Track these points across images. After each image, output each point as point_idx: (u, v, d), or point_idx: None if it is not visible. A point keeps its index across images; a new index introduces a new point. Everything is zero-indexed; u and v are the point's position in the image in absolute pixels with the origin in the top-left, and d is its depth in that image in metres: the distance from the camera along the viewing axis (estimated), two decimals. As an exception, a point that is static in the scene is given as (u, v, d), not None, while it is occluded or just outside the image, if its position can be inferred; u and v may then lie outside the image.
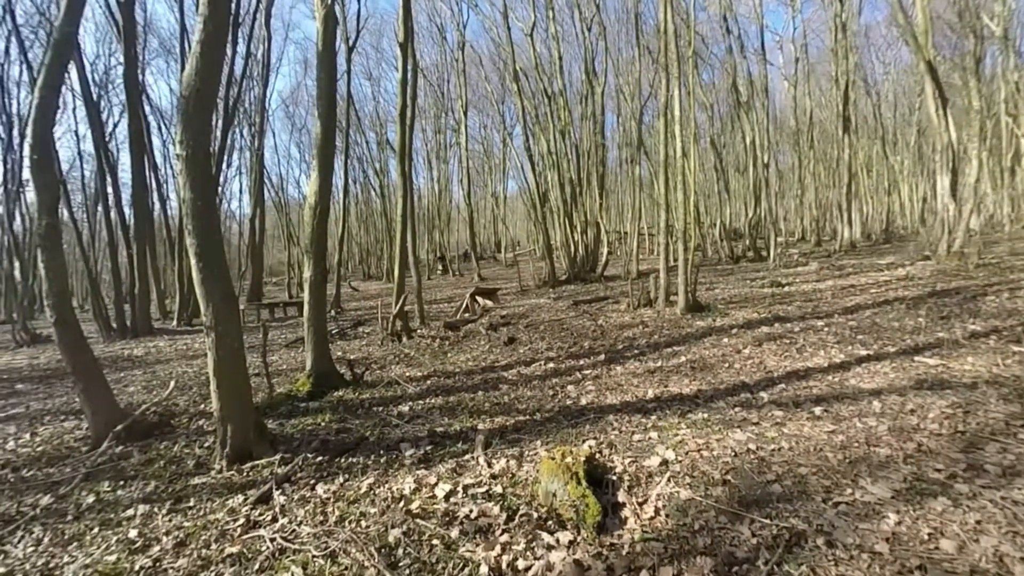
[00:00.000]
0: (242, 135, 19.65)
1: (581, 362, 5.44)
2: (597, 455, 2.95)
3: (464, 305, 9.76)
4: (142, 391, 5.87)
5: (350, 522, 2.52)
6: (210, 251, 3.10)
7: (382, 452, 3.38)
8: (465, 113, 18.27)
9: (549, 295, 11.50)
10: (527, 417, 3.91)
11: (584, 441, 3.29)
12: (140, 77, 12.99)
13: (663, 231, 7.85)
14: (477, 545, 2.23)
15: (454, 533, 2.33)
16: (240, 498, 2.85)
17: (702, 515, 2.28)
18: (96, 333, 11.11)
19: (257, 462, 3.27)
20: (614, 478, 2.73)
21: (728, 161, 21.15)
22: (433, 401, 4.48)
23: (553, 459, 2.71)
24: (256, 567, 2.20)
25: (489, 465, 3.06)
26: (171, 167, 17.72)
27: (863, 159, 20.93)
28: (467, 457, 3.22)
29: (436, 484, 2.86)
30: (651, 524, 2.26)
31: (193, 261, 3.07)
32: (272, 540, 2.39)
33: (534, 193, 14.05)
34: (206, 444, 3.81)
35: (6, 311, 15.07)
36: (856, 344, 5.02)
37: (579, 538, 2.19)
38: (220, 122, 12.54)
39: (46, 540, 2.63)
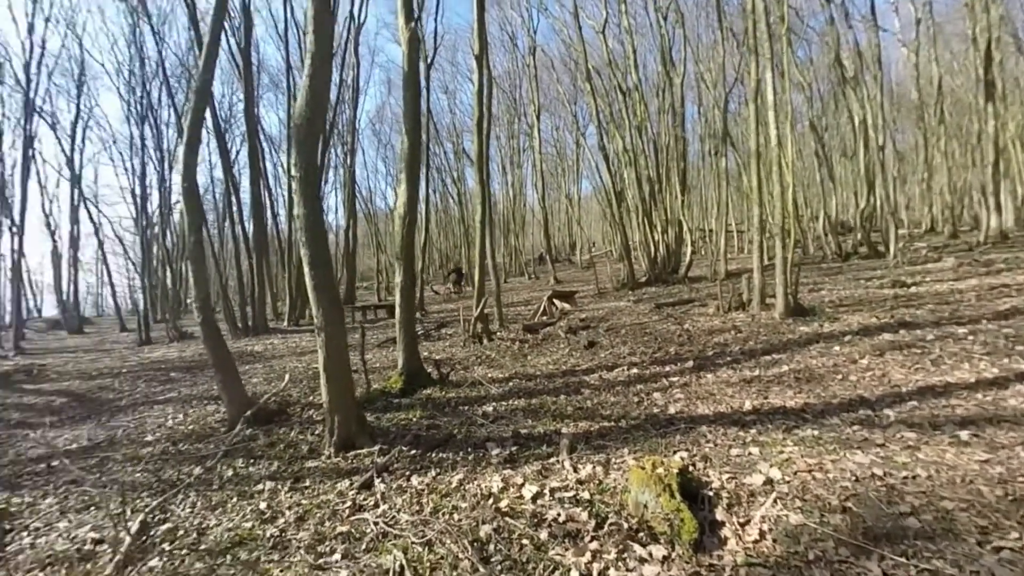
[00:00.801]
0: (336, 154, 21.76)
1: (667, 368, 5.20)
2: (690, 468, 2.80)
3: (541, 308, 9.81)
4: (263, 382, 6.72)
5: (443, 514, 2.66)
6: (320, 260, 3.48)
7: (470, 450, 3.51)
8: (538, 117, 18.39)
9: (628, 298, 11.13)
10: (612, 423, 3.82)
11: (675, 452, 3.14)
12: (255, 110, 14.98)
13: (756, 227, 7.22)
14: (567, 549, 2.24)
15: (543, 535, 2.35)
16: (347, 483, 3.15)
17: (817, 544, 2.05)
18: (226, 332, 12.99)
19: (359, 451, 3.58)
20: (710, 494, 2.56)
21: (832, 146, 18.79)
22: (516, 403, 4.56)
23: (643, 469, 2.62)
24: (363, 547, 2.42)
25: (575, 470, 3.04)
26: (279, 187, 20.11)
27: (1015, 130, 17.33)
28: (552, 460, 3.23)
29: (523, 485, 2.91)
30: (756, 548, 2.09)
31: (306, 269, 3.47)
32: (375, 524, 2.60)
33: (610, 192, 13.71)
34: (316, 432, 4.26)
35: (161, 312, 18.16)
36: (1015, 356, 4.18)
37: (674, 554, 2.09)
38: (319, 145, 14.00)
39: (199, 504, 3.13)
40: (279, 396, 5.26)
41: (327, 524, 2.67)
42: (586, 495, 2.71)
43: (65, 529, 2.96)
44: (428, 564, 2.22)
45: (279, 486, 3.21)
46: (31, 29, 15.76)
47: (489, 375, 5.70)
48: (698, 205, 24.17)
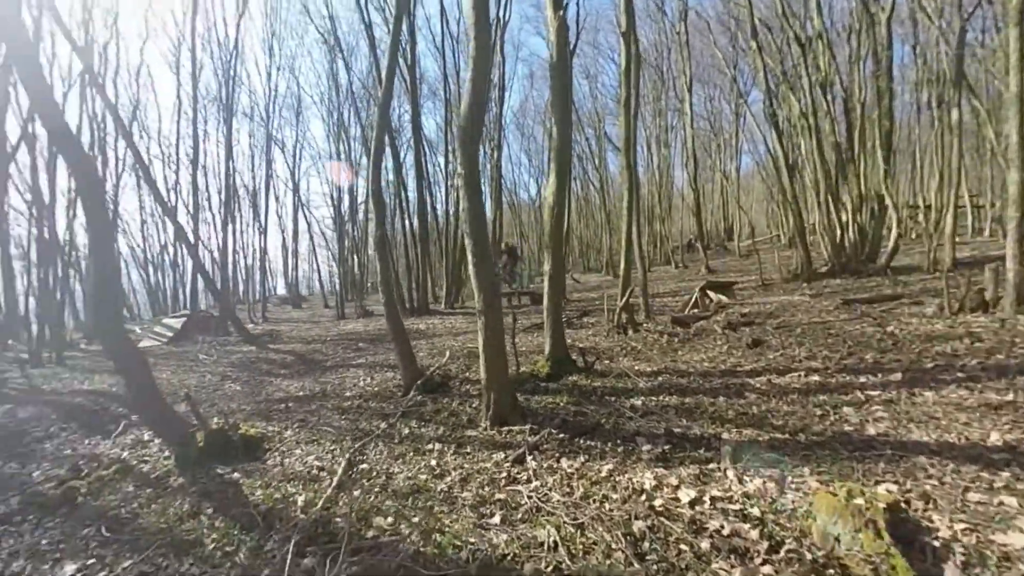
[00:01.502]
0: (484, 150, 23.35)
1: (862, 379, 4.27)
2: (902, 505, 2.26)
3: (693, 300, 9.02)
4: (426, 356, 7.70)
5: (594, 501, 2.67)
6: (482, 249, 3.78)
7: (618, 442, 3.45)
8: (689, 89, 16.66)
9: (803, 291, 9.43)
10: (786, 436, 3.32)
11: (877, 482, 2.57)
12: (420, 120, 16.97)
13: (1015, 199, 5.34)
14: (733, 567, 2.03)
15: (704, 544, 2.18)
16: (502, 455, 3.40)
17: None
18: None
19: (512, 428, 3.83)
20: (935, 543, 2.03)
21: None
22: (666, 399, 4.31)
23: (835, 495, 2.22)
24: (519, 516, 2.59)
25: (740, 481, 2.74)
26: (436, 185, 22.46)
27: None
28: (711, 466, 2.97)
29: (678, 487, 2.75)
30: (1018, 627, 1.58)
31: (469, 259, 3.81)
32: (529, 497, 2.76)
33: (780, 166, 11.72)
34: (473, 405, 4.71)
35: (350, 293, 22.23)
36: None
37: (882, 605, 1.72)
38: (480, 146, 15.24)
39: (385, 453, 3.76)
40: (442, 369, 5.96)
41: (486, 489, 2.94)
42: (755, 512, 2.41)
43: (299, 456, 3.88)
44: (581, 546, 2.26)
45: (445, 448, 3.65)
46: (269, 77, 20.72)
47: (636, 367, 5.50)
48: (905, 175, 19.05)
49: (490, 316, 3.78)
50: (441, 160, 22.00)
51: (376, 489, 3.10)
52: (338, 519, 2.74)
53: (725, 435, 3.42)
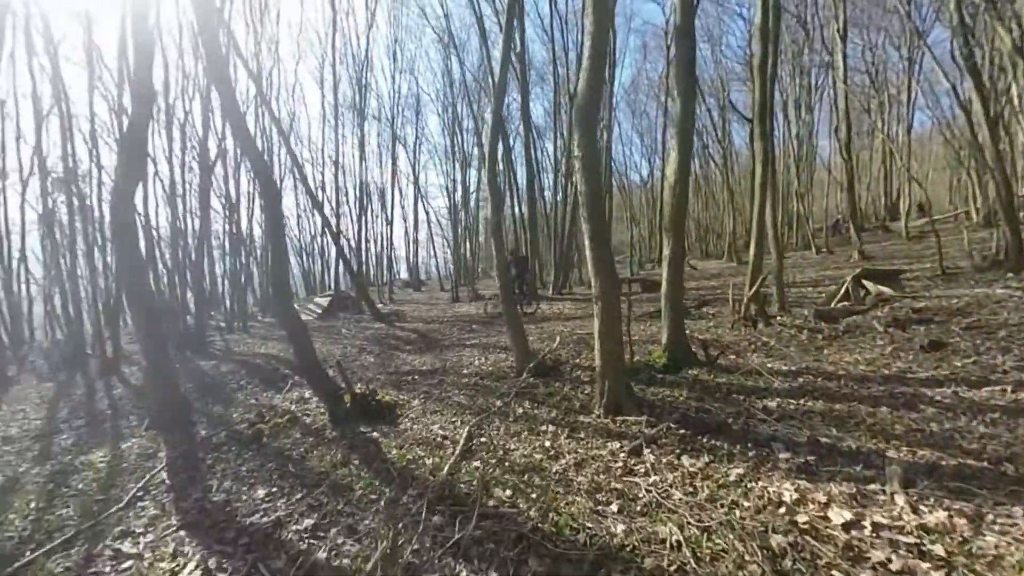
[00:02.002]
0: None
1: (1108, 401, 3.21)
2: None
3: (843, 291, 7.67)
4: (536, 341, 7.84)
5: (722, 505, 2.46)
6: (601, 234, 3.68)
7: (749, 445, 3.12)
8: (843, 37, 13.84)
9: (1008, 282, 7.39)
10: (983, 464, 2.65)
11: None
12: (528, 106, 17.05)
13: None
14: (903, 609, 1.71)
15: (865, 576, 1.86)
16: (616, 444, 3.33)
17: None
18: (507, 295, 15.83)
19: (627, 417, 3.72)
20: None
21: None
22: (810, 404, 3.76)
23: (1067, 545, 1.71)
24: (637, 508, 2.51)
25: (914, 510, 2.27)
26: (543, 171, 22.46)
27: None
28: (872, 487, 2.51)
29: (827, 505, 2.39)
30: None
31: (587, 243, 3.74)
32: (648, 491, 2.65)
33: (980, 121, 9.19)
34: (584, 391, 4.68)
35: (462, 277, 23.64)
36: None
37: None
38: (599, 126, 14.86)
39: (501, 430, 3.94)
40: (552, 354, 6.03)
41: (601, 476, 2.91)
42: (939, 551, 1.98)
43: (425, 424, 4.28)
44: (708, 550, 2.11)
45: (559, 431, 3.70)
46: (393, 80, 22.74)
47: (768, 365, 4.90)
48: None
49: (607, 302, 3.68)
50: (549, 146, 21.98)
51: (494, 462, 3.28)
52: (461, 484, 2.97)
53: (891, 453, 2.87)
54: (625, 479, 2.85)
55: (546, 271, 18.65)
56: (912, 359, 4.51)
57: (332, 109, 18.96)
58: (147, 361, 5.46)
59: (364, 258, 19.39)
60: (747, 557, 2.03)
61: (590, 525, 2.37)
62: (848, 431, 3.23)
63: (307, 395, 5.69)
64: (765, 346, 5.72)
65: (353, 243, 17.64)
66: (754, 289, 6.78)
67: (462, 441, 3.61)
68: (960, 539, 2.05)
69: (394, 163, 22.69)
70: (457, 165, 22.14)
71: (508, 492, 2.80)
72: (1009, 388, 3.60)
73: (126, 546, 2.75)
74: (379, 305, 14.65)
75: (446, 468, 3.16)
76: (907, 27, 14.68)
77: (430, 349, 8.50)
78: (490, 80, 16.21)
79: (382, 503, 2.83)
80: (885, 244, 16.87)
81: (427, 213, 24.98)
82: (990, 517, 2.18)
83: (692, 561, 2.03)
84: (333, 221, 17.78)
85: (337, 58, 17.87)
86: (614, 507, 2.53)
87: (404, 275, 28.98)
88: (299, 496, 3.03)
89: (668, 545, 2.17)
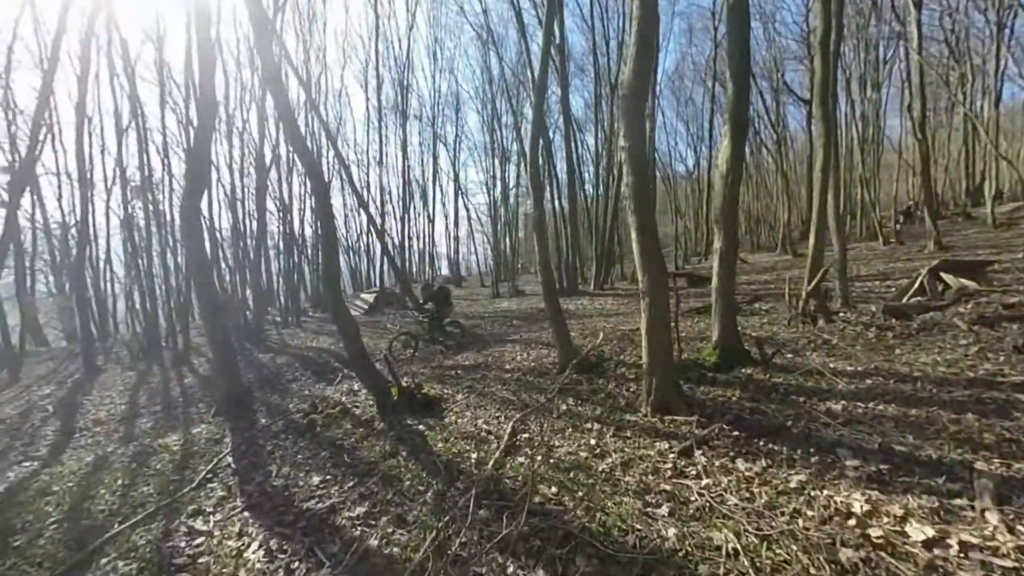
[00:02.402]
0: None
1: None
2: None
3: (917, 284, 7.00)
4: (578, 336, 7.73)
5: (782, 513, 2.32)
6: (648, 227, 3.56)
7: (811, 450, 2.92)
8: (918, 4, 12.53)
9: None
10: (1095, 479, 2.34)
11: None
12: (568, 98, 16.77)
13: None
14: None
15: (955, 602, 1.69)
16: (665, 444, 3.21)
17: None
18: (547, 290, 15.75)
19: (676, 417, 3.59)
20: None
21: None
22: (881, 408, 3.46)
23: None
24: (689, 512, 2.41)
25: (1010, 530, 2.03)
26: (583, 165, 22.05)
27: None
28: (958, 502, 2.28)
29: (903, 519, 2.19)
30: None
31: (634, 235, 3.62)
32: (700, 495, 2.54)
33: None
34: (630, 389, 4.56)
35: (503, 273, 23.76)
36: None
37: None
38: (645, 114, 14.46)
39: (545, 426, 3.91)
40: (596, 351, 5.93)
41: (650, 477, 2.82)
42: (1044, 576, 1.76)
43: (470, 418, 4.33)
44: (768, 561, 1.99)
45: (604, 429, 3.63)
46: (433, 80, 23.09)
47: (831, 365, 4.56)
48: None
49: (655, 297, 3.56)
50: (590, 139, 21.58)
51: (539, 458, 3.26)
52: (507, 480, 2.97)
53: (980, 465, 2.58)
54: (675, 481, 2.74)
55: (587, 266, 18.36)
56: (1003, 361, 4.05)
57: (376, 111, 19.60)
58: (213, 353, 5.89)
59: (407, 255, 19.93)
60: (812, 570, 1.90)
61: (639, 527, 2.31)
62: (927, 439, 2.94)
63: (356, 387, 5.93)
64: (826, 344, 5.34)
65: (397, 241, 18.16)
66: (814, 283, 6.34)
67: (506, 436, 3.62)
68: (1070, 565, 1.81)
69: (435, 161, 23.15)
70: (496, 161, 22.21)
71: (554, 489, 2.77)
72: None
73: (198, 523, 2.98)
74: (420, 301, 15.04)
75: (491, 463, 3.18)
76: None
77: (472, 344, 8.60)
78: (529, 74, 16.08)
79: (429, 495, 2.89)
80: (968, 233, 15.28)
81: (467, 210, 25.33)
82: (1108, 542, 1.91)
83: (751, 571, 1.92)
84: (377, 220, 18.40)
85: (380, 61, 18.43)
86: (664, 510, 2.44)
87: (445, 271, 29.57)
88: (351, 484, 3.16)
89: (724, 553, 2.07)
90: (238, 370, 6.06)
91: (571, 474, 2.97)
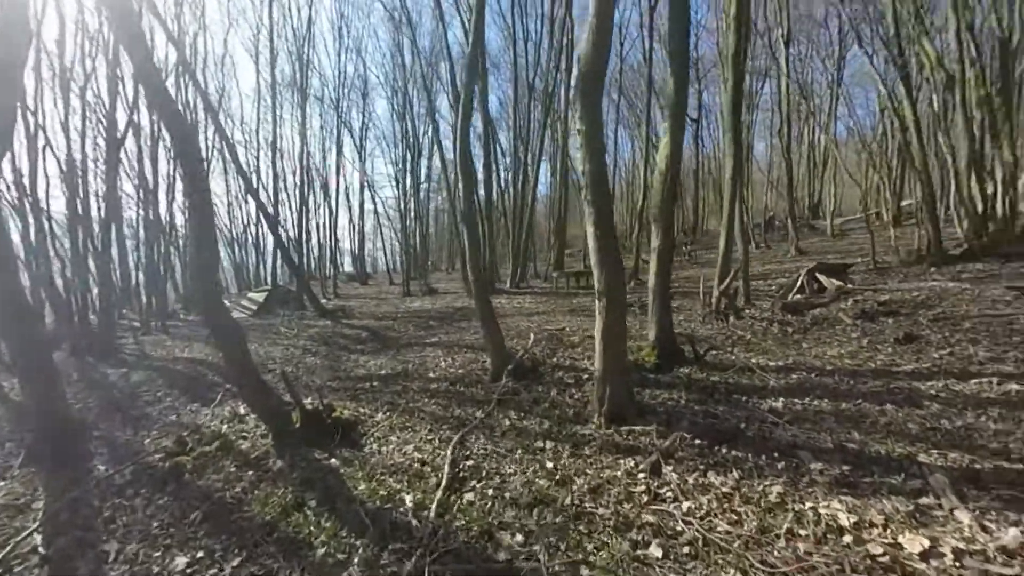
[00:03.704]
0: (548, 123, 22.34)
1: (1088, 390, 3.28)
2: None
3: (798, 284, 7.90)
4: (504, 339, 7.33)
5: (777, 537, 2.10)
6: (605, 220, 3.21)
7: (775, 455, 2.82)
8: (787, 43, 14.60)
9: (932, 275, 8.00)
10: (1016, 466, 2.52)
11: None
12: (487, 98, 16.31)
13: None
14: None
15: (983, 627, 1.55)
16: (631, 462, 2.89)
17: None
18: (459, 290, 15.12)
19: (632, 427, 3.31)
20: None
21: None
22: (816, 403, 3.57)
23: None
24: (684, 551, 2.07)
25: (984, 529, 2.04)
26: (497, 163, 21.77)
27: None
28: (925, 501, 2.28)
29: (885, 526, 2.11)
30: None
31: (590, 229, 3.25)
32: (687, 523, 2.24)
33: (908, 127, 9.91)
34: (573, 395, 4.23)
35: (413, 270, 22.52)
36: None
37: None
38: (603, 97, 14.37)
39: (489, 447, 3.37)
40: (529, 353, 5.54)
41: (625, 506, 2.45)
42: (1037, 579, 1.73)
43: (396, 444, 3.60)
44: (786, 605, 1.72)
45: (559, 447, 3.20)
46: (339, 59, 20.93)
47: (753, 360, 4.75)
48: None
49: (612, 298, 3.23)
50: (503, 137, 21.41)
51: (490, 493, 2.72)
52: (458, 528, 2.38)
53: (923, 458, 2.68)
54: (654, 508, 2.41)
55: (503, 265, 18.14)
56: (892, 352, 4.54)
57: (269, 87, 16.98)
58: (20, 376, 4.25)
59: (305, 250, 17.70)
60: (839, 612, 1.66)
61: (636, 580, 1.90)
62: (867, 434, 3.03)
63: (242, 411, 4.75)
64: (742, 340, 5.62)
65: (294, 234, 15.97)
66: (726, 283, 6.72)
67: (447, 467, 3.00)
68: (1048, 564, 1.82)
69: (339, 149, 20.95)
70: (407, 153, 20.88)
71: (519, 538, 2.26)
72: (995, 381, 3.62)
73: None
74: (322, 300, 13.35)
75: (434, 507, 2.55)
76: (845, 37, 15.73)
77: (385, 349, 7.68)
78: (444, 63, 15.29)
79: (355, 567, 2.17)
80: (813, 241, 18.20)
81: (375, 203, 23.46)
82: (1062, 532, 1.99)
83: (780, 626, 1.62)
84: (271, 208, 16.01)
85: (275, 31, 15.97)
86: (656, 550, 2.08)
87: (349, 268, 27.14)
88: (236, 563, 2.28)
89: (738, 601, 1.75)
90: (61, 397, 4.44)
91: (534, 512, 2.48)
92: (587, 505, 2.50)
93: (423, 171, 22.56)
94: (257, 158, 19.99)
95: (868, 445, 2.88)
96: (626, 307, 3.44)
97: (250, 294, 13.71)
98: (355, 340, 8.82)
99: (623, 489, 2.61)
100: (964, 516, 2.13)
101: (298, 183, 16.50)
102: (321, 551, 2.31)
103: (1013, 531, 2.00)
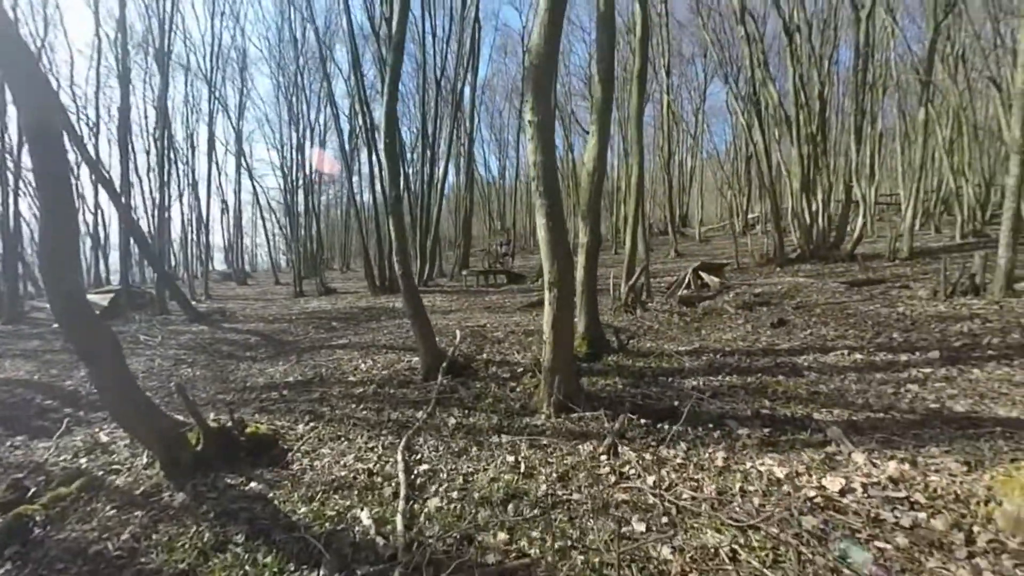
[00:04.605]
0: (451, 126, 22.17)
1: (903, 357, 4.30)
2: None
3: (685, 280, 9.01)
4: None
5: (733, 495, 2.34)
6: (556, 211, 3.25)
7: (710, 426, 3.15)
8: (668, 73, 16.74)
9: (780, 274, 9.83)
10: (877, 415, 3.19)
11: (1013, 461, 2.46)
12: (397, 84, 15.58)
13: (1013, 191, 5.67)
14: (946, 562, 1.79)
15: (900, 540, 1.91)
16: (588, 446, 2.97)
17: None
18: (366, 288, 14.12)
19: (582, 414, 3.41)
20: None
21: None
22: (726, 379, 4.09)
23: (1012, 478, 2.05)
24: (662, 520, 2.18)
25: (874, 465, 2.52)
26: (403, 155, 20.94)
27: None
28: (829, 449, 2.74)
29: (808, 474, 2.49)
30: None
31: (541, 221, 3.26)
32: (659, 497, 2.36)
33: (760, 153, 12.02)
34: (515, 389, 4.21)
35: (307, 268, 20.36)
36: None
37: None
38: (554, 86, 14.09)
39: (441, 449, 3.17)
40: (460, 352, 5.37)
41: (597, 488, 2.50)
42: (920, 499, 2.20)
43: (331, 457, 3.18)
44: (764, 554, 1.91)
45: (516, 441, 3.14)
46: (212, 25, 17.99)
47: (666, 347, 5.27)
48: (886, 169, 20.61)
49: (563, 290, 3.28)
50: (406, 132, 20.57)
51: (455, 496, 2.55)
52: (429, 539, 2.17)
53: (817, 415, 3.23)
54: (623, 486, 2.51)
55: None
56: (771, 334, 5.41)
57: (112, 44, 13.77)
58: None
59: (162, 244, 14.77)
60: (803, 550, 1.90)
61: (631, 557, 1.94)
62: (773, 400, 3.56)
63: (104, 438, 3.77)
64: (652, 330, 6.21)
65: (154, 225, 13.21)
66: (634, 279, 7.36)
67: (402, 475, 2.74)
68: (923, 485, 2.31)
69: (211, 129, 17.95)
70: (296, 140, 18.77)
71: (503, 536, 2.15)
72: (846, 352, 4.55)
73: None
74: (193, 303, 11.31)
75: (399, 519, 2.30)
76: (716, 73, 18.41)
77: (283, 354, 6.81)
78: (344, 36, 14.02)
79: (320, 597, 1.85)
80: (686, 245, 20.93)
81: (255, 192, 20.57)
82: (920, 460, 2.55)
83: (765, 570, 1.79)
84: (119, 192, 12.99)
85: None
86: (639, 525, 2.15)
87: (220, 266, 23.43)
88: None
89: (722, 557, 1.90)
90: None
91: (510, 508, 2.39)
92: (561, 493, 2.49)
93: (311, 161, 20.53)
94: (95, 130, 16.14)
95: (776, 410, 3.38)
96: (574, 299, 3.53)
97: (89, 296, 10.96)
98: (243, 347, 7.67)
99: (589, 473, 2.66)
100: (859, 457, 2.61)
101: (155, 165, 13.75)
102: (269, 593, 1.91)
103: (893, 464, 2.50)
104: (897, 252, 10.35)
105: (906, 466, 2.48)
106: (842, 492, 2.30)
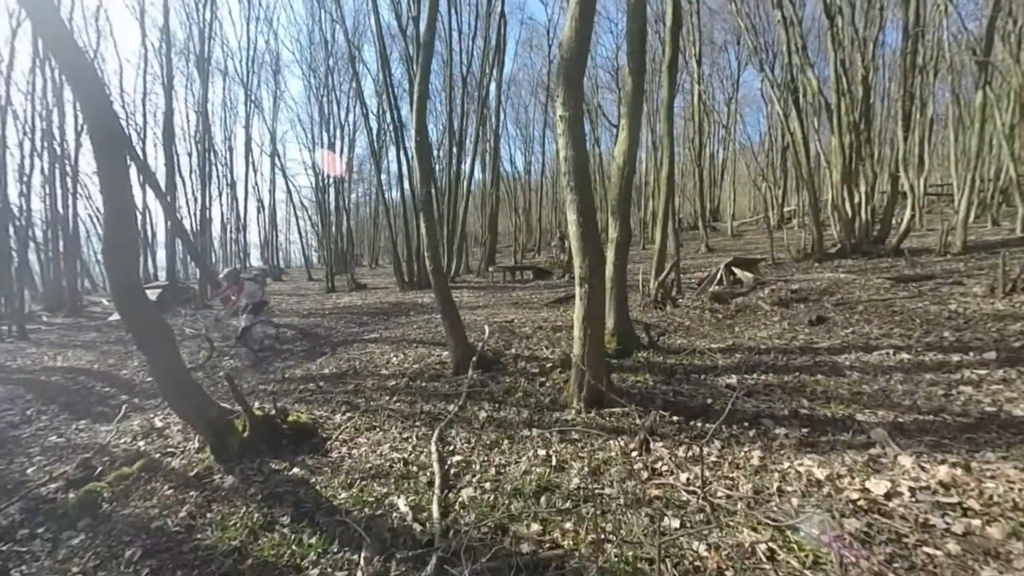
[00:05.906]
0: (470, 120, 22.25)
1: (955, 358, 4.07)
2: None
3: (717, 276, 8.78)
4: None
5: (770, 495, 2.29)
6: (587, 207, 3.24)
7: (745, 424, 3.08)
8: (699, 62, 16.21)
9: (819, 269, 9.42)
10: (925, 417, 3.04)
11: (1083, 468, 2.30)
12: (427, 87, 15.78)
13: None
14: (1003, 571, 1.70)
15: (951, 547, 1.83)
16: (620, 442, 2.97)
17: None
18: (395, 284, 14.44)
19: (613, 409, 3.40)
20: None
21: None
22: (762, 377, 3.98)
23: (1081, 487, 1.92)
24: (698, 518, 2.17)
25: (923, 469, 2.42)
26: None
27: None
28: (873, 452, 2.64)
29: (851, 476, 2.40)
30: None
31: (573, 217, 3.26)
32: (691, 493, 2.34)
33: (798, 142, 11.51)
34: (544, 384, 4.24)
35: (338, 264, 20.98)
36: None
37: None
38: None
39: (473, 441, 3.23)
40: (488, 347, 5.44)
41: (629, 483, 2.50)
42: (975, 505, 2.09)
43: (368, 446, 3.30)
44: (803, 555, 1.87)
45: (548, 435, 3.17)
46: (247, 29, 18.69)
47: (698, 344, 5.16)
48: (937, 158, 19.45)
49: (594, 284, 3.28)
50: (438, 126, 20.80)
51: (488, 486, 2.61)
52: (463, 526, 2.24)
53: (860, 416, 3.11)
54: (656, 482, 2.50)
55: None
56: (809, 332, 5.22)
57: (157, 52, 14.53)
58: None
59: (204, 241, 15.54)
60: (844, 552, 1.85)
61: (665, 552, 1.94)
62: (812, 400, 3.45)
63: (159, 423, 4.04)
64: (683, 326, 6.09)
65: (197, 224, 13.94)
66: (664, 274, 7.23)
67: (436, 465, 2.82)
68: (977, 491, 2.20)
69: (247, 131, 18.74)
70: (325, 138, 19.32)
71: (536, 527, 2.18)
72: (890, 352, 4.34)
73: None
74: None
75: (435, 507, 2.37)
76: (751, 60, 17.73)
77: (317, 347, 7.06)
78: (372, 36, 14.31)
79: (361, 577, 1.94)
80: (717, 239, 20.35)
81: (288, 192, 21.36)
82: (975, 465, 2.43)
83: (805, 571, 1.76)
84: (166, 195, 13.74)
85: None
86: (673, 521, 2.14)
87: (258, 262, 24.45)
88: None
89: (759, 556, 1.87)
90: None
91: (543, 500, 2.42)
92: (593, 487, 2.50)
93: (346, 158, 21.10)
94: (142, 135, 17.12)
95: (816, 410, 3.27)
96: (605, 294, 3.52)
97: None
98: (280, 339, 7.97)
99: (622, 468, 2.66)
100: (906, 460, 2.51)
101: (196, 166, 14.45)
102: (315, 572, 2.02)
103: (943, 468, 2.39)
104: (949, 246, 9.74)
105: (958, 471, 2.36)
106: (887, 496, 2.22)
